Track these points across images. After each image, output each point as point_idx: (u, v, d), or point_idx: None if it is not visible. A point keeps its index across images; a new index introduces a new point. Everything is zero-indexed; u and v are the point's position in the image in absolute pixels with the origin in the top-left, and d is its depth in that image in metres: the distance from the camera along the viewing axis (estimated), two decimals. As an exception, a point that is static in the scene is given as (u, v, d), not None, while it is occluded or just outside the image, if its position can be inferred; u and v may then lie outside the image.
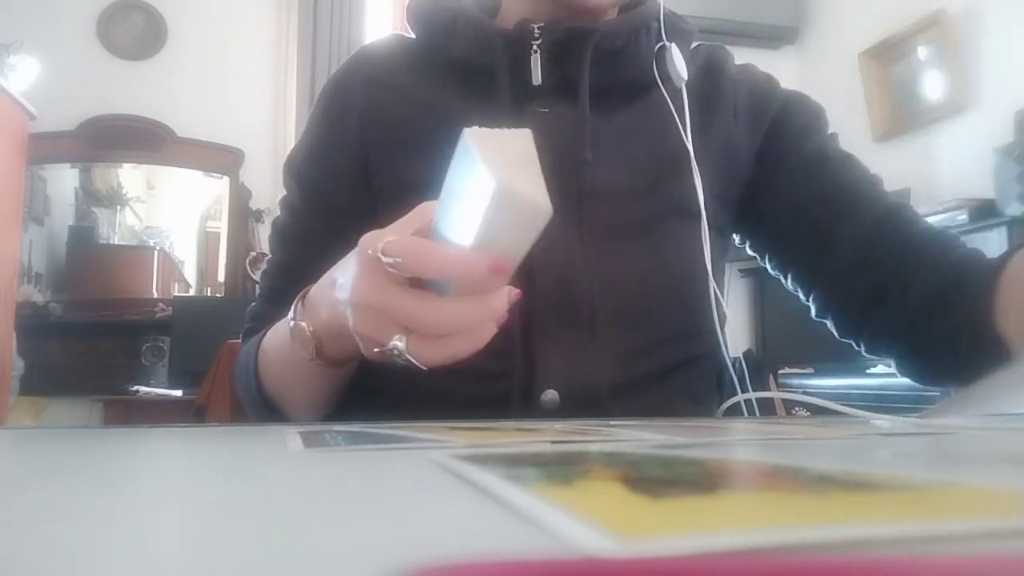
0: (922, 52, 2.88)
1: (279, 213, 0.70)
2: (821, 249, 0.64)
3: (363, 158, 0.65)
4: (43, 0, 3.03)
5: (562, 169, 0.60)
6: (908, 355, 0.62)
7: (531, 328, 0.58)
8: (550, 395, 0.57)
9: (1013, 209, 2.37)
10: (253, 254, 3.09)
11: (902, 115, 2.96)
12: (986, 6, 2.67)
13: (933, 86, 2.85)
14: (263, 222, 3.14)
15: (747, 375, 0.66)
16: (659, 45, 0.64)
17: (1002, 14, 2.61)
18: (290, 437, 0.32)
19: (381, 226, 0.67)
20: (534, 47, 0.61)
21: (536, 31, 0.61)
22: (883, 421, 0.45)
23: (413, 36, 0.69)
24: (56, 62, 2.87)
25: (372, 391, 0.62)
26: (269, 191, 3.18)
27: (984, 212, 2.39)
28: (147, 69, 3.14)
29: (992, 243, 2.27)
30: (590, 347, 0.58)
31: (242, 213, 3.17)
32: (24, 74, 2.65)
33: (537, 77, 0.61)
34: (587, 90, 0.61)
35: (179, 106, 3.10)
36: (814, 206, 0.64)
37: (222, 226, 3.19)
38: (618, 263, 0.59)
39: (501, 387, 0.57)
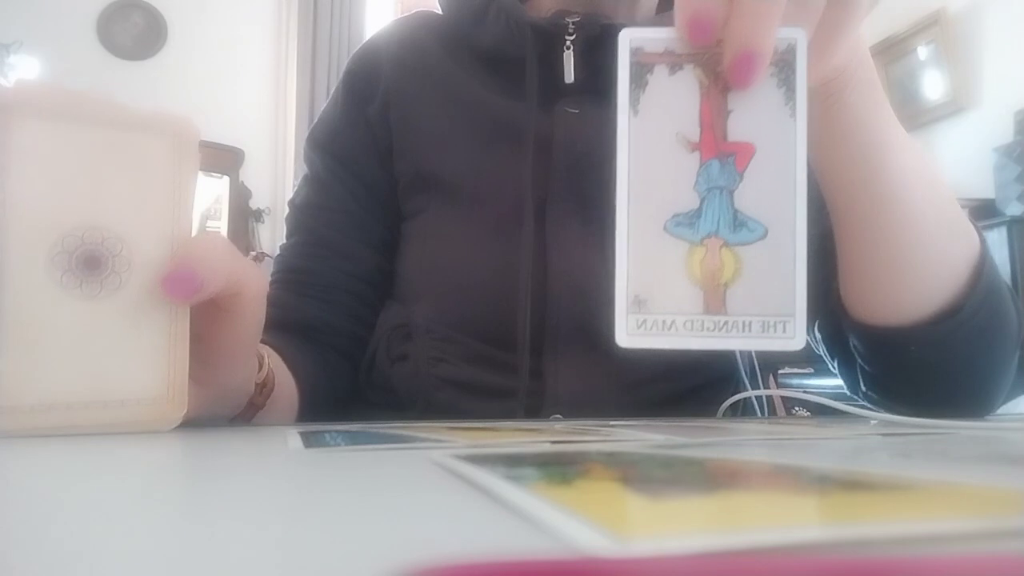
0: (922, 52, 2.88)
1: (298, 191, 0.66)
2: None
3: (388, 139, 0.63)
4: (43, 0, 3.03)
5: (588, 175, 0.57)
6: (839, 370, 0.59)
7: (542, 344, 0.56)
8: (556, 419, 0.54)
9: (1013, 209, 2.37)
10: (253, 254, 3.10)
11: (902, 115, 2.92)
12: (986, 6, 2.68)
13: (933, 86, 2.85)
14: (263, 222, 3.14)
15: (759, 375, 0.65)
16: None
17: (1002, 14, 2.62)
18: (290, 437, 0.32)
19: (403, 209, 0.64)
20: (567, 42, 0.58)
21: (571, 26, 0.58)
22: (883, 421, 0.45)
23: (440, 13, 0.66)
24: (56, 62, 2.88)
25: (379, 405, 0.61)
26: (269, 191, 3.18)
27: (984, 212, 2.40)
28: (147, 69, 3.14)
29: (992, 243, 2.26)
30: (603, 368, 0.55)
31: (242, 213, 3.17)
32: (24, 74, 2.65)
33: (570, 75, 0.59)
34: None
35: (179, 106, 3.09)
36: None
37: (222, 226, 3.20)
38: None
39: (506, 405, 0.55)
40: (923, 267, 0.46)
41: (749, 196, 0.33)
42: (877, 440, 0.34)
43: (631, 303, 0.33)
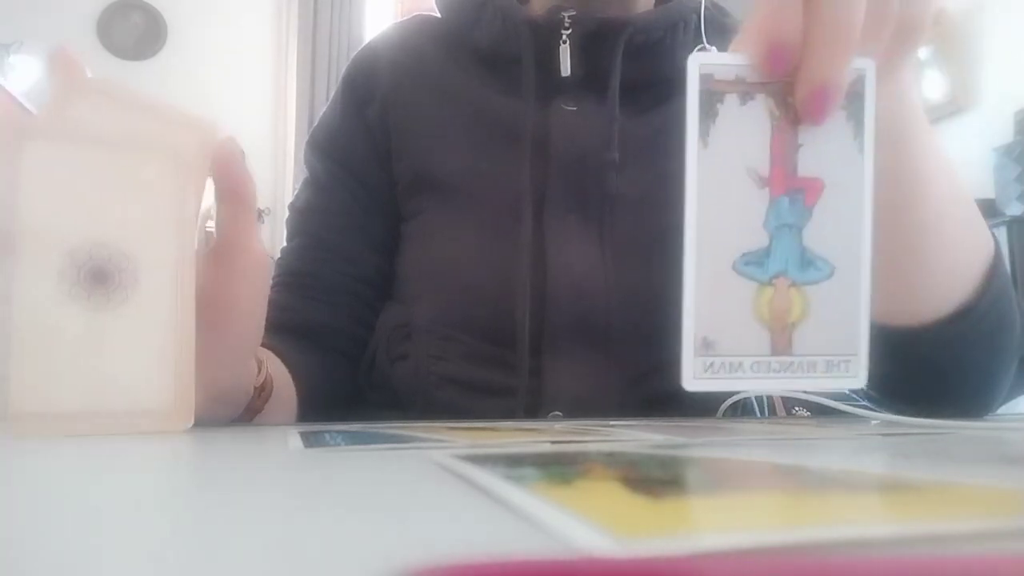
0: (922, 52, 2.88)
1: (298, 195, 0.66)
2: None
3: (387, 141, 0.64)
4: (43, 0, 3.03)
5: (586, 172, 0.58)
6: None
7: (541, 341, 0.56)
8: (555, 417, 0.54)
9: (1013, 208, 2.37)
10: (253, 254, 3.09)
11: (902, 115, 2.96)
12: (986, 6, 2.68)
13: (933, 86, 2.85)
14: (263, 222, 3.13)
15: None
16: (699, 47, 0.60)
17: (1002, 14, 2.62)
18: (290, 437, 0.32)
19: (403, 211, 0.65)
20: (563, 37, 0.59)
21: (567, 21, 0.58)
22: (883, 421, 0.45)
23: (439, 16, 0.67)
24: (56, 62, 2.87)
25: (379, 404, 0.61)
26: (269, 191, 3.17)
27: (984, 211, 2.37)
28: (147, 69, 3.14)
29: (992, 243, 2.27)
30: (602, 365, 0.56)
31: (242, 213, 3.16)
32: (24, 74, 2.65)
33: (566, 69, 0.58)
34: (617, 88, 0.58)
35: (179, 106, 3.09)
36: None
37: (222, 226, 3.19)
38: (640, 275, 0.56)
39: (506, 403, 0.55)
40: (945, 270, 0.46)
41: (817, 234, 0.32)
42: (877, 440, 0.34)
43: (699, 345, 0.32)
